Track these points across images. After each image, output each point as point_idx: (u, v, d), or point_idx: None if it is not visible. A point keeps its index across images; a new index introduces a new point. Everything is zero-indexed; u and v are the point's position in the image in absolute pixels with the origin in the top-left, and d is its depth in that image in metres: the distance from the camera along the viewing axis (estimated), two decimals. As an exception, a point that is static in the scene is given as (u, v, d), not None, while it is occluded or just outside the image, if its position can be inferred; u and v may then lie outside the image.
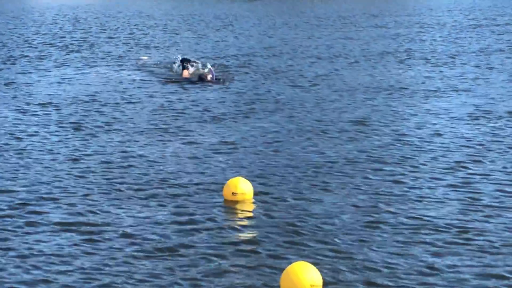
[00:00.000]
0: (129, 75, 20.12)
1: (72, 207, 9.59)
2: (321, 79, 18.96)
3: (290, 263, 7.40)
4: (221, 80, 18.81)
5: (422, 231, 8.59)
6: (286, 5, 43.68)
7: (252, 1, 46.26)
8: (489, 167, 11.06)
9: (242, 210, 9.49)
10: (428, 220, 8.93)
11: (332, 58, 22.49)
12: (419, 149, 12.21)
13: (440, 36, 27.32)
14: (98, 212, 9.41)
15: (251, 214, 9.35)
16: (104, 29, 31.77)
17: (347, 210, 9.38)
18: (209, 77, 18.85)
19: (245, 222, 9.10)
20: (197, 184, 10.51)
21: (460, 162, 11.32)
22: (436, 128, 13.46)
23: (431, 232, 8.57)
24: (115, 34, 29.96)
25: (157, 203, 9.75)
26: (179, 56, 20.86)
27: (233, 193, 9.78)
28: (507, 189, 10.04)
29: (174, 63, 20.61)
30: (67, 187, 10.43)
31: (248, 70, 20.63)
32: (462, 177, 10.61)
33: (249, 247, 8.22)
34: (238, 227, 8.91)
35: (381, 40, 26.63)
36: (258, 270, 7.61)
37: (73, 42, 27.47)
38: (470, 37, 26.83)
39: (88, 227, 8.84)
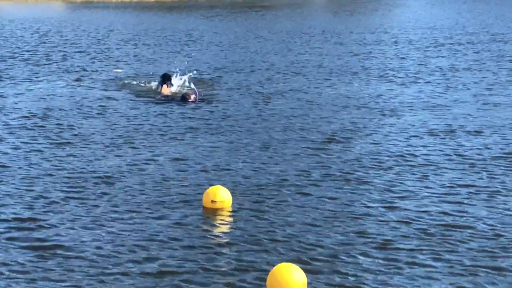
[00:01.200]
0: (103, 89, 20.03)
1: (39, 220, 9.80)
2: (289, 94, 19.26)
3: (272, 266, 7.74)
4: (206, 101, 18.01)
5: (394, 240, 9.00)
6: (248, 21, 44.15)
7: (211, 17, 46.62)
8: (447, 183, 11.31)
9: (221, 218, 9.80)
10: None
11: (296, 74, 22.83)
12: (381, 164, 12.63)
13: (400, 54, 27.88)
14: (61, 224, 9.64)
15: (230, 221, 9.66)
16: (69, 43, 31.77)
17: (323, 217, 9.75)
18: (192, 97, 18.11)
19: (224, 229, 9.41)
20: (175, 194, 10.80)
21: (421, 178, 11.66)
22: (398, 145, 13.75)
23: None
24: (80, 48, 30.00)
25: (138, 212, 10.02)
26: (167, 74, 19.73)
27: (212, 201, 10.08)
28: (469, 209, 10.27)
29: (155, 80, 20.04)
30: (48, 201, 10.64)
31: (218, 86, 20.49)
32: (427, 192, 11.00)
33: (229, 252, 8.55)
34: (218, 234, 9.21)
35: (345, 57, 27.11)
36: (240, 273, 7.93)
37: (36, 55, 27.45)
38: (432, 55, 27.45)
39: (59, 243, 8.92)
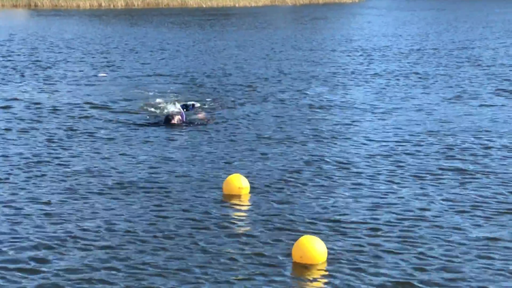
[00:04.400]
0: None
1: (65, 207, 10.73)
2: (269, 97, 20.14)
3: (294, 240, 8.69)
4: (193, 124, 16.23)
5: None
6: (213, 28, 45.01)
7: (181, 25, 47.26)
8: (414, 186, 11.66)
9: (241, 204, 10.73)
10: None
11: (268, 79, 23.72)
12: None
13: (361, 60, 28.79)
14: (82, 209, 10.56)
15: (250, 206, 10.60)
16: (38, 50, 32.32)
17: (336, 199, 10.72)
18: (176, 118, 16.19)
19: (245, 212, 10.35)
20: (195, 181, 11.75)
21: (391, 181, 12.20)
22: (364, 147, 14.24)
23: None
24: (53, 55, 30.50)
25: (160, 197, 10.95)
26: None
27: (237, 188, 11.00)
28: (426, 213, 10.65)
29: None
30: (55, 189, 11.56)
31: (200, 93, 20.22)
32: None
33: (255, 231, 9.50)
34: (239, 219, 10.15)
35: (319, 62, 28.09)
36: (266, 245, 8.87)
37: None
38: (401, 60, 28.42)
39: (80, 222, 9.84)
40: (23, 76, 24.05)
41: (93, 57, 29.40)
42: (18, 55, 30.15)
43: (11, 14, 62.06)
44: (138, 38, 38.16)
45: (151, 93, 20.16)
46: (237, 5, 75.69)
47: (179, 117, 16.20)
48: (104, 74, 24.35)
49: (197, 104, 18.09)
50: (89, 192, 11.15)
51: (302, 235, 8.70)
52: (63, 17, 57.32)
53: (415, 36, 39.26)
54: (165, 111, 17.20)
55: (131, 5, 71.61)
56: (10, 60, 28.33)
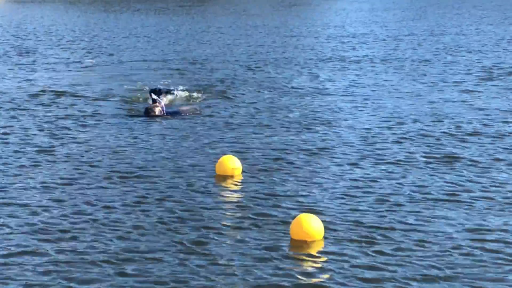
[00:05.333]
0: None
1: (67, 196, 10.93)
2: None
3: (291, 217, 8.96)
4: (173, 116, 15.73)
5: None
6: (191, 15, 45.13)
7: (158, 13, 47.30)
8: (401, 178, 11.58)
9: (235, 183, 10.98)
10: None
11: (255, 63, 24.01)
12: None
13: (350, 45, 29.16)
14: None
15: (243, 185, 10.86)
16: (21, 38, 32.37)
17: (326, 178, 11.01)
18: (157, 110, 15.71)
19: (239, 192, 10.60)
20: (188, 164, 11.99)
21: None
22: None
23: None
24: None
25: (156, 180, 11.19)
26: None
27: (228, 169, 11.24)
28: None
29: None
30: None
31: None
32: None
33: (252, 208, 9.77)
34: (235, 196, 10.41)
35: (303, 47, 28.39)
36: (265, 224, 9.13)
37: None
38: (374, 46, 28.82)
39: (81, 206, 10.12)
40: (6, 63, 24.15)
41: (77, 44, 29.46)
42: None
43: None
44: (120, 25, 38.20)
45: (135, 81, 20.20)
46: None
47: (160, 108, 15.70)
48: (92, 61, 24.41)
49: (175, 90, 17.64)
50: (81, 181, 11.24)
51: (298, 214, 8.96)
52: (40, 4, 57.09)
53: (391, 23, 39.64)
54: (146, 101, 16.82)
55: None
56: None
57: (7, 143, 13.51)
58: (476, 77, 20.83)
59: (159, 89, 16.70)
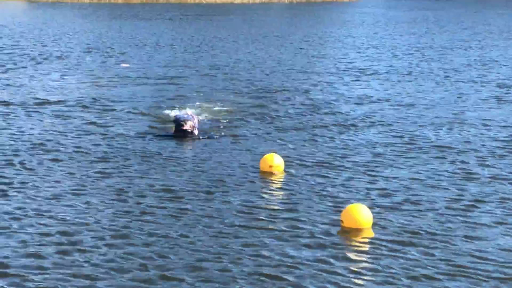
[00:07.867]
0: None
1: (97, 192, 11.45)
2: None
3: (341, 208, 9.49)
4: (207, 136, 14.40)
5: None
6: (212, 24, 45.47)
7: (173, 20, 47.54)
8: (401, 171, 12.27)
9: (278, 180, 11.48)
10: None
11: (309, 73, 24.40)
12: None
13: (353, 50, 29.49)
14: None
15: (286, 182, 11.37)
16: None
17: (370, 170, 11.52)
18: (188, 124, 14.18)
19: (285, 186, 11.10)
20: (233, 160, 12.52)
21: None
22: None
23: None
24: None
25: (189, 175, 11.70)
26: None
27: (270, 166, 11.74)
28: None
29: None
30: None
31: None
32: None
33: (300, 199, 10.32)
34: (281, 190, 10.93)
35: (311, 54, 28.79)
36: (316, 212, 9.63)
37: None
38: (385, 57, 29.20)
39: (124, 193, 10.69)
40: (36, 65, 24.69)
41: (111, 50, 29.90)
42: (22, 48, 30.67)
43: (9, 5, 62.30)
44: (142, 33, 38.57)
45: (170, 94, 19.53)
46: (235, 1, 77.36)
47: (192, 123, 14.23)
48: (127, 65, 24.72)
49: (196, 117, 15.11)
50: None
51: (347, 205, 9.50)
52: (62, 10, 57.58)
53: (410, 35, 40.05)
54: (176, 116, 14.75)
55: (129, 0, 72.87)
56: (18, 50, 28.86)
57: (44, 150, 13.35)
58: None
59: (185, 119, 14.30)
